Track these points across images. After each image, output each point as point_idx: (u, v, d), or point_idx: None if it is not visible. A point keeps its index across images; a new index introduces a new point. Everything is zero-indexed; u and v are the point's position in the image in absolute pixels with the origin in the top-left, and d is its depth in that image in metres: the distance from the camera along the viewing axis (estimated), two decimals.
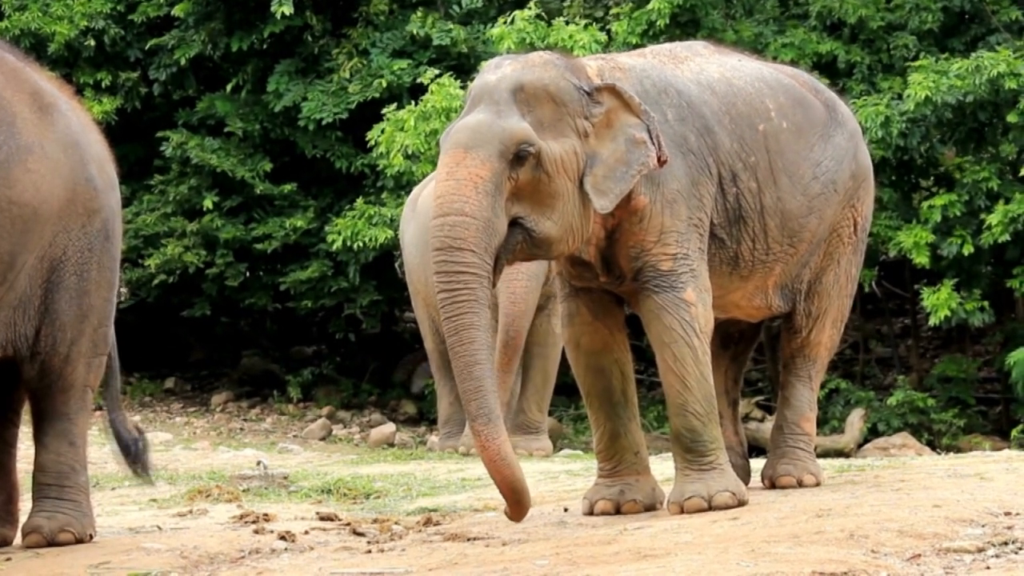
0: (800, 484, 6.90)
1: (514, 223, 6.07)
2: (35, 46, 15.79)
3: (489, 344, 6.00)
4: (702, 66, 6.71)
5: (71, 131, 6.09)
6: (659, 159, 6.21)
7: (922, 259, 13.60)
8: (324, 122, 15.61)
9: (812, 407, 7.19)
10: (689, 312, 6.32)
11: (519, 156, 6.02)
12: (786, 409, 7.13)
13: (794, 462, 7.00)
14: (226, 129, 16.09)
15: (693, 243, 6.39)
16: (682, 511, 6.24)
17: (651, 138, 6.21)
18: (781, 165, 6.69)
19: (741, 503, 6.28)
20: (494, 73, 6.23)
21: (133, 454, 6.66)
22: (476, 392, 5.91)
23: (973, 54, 13.82)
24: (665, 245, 6.32)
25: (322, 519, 6.77)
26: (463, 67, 15.56)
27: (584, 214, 6.18)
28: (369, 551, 5.89)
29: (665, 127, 6.36)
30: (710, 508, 6.20)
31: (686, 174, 6.38)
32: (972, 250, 13.61)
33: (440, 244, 5.97)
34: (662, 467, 7.62)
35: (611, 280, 6.45)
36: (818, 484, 6.93)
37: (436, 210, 6.00)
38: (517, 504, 6.02)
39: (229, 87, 16.25)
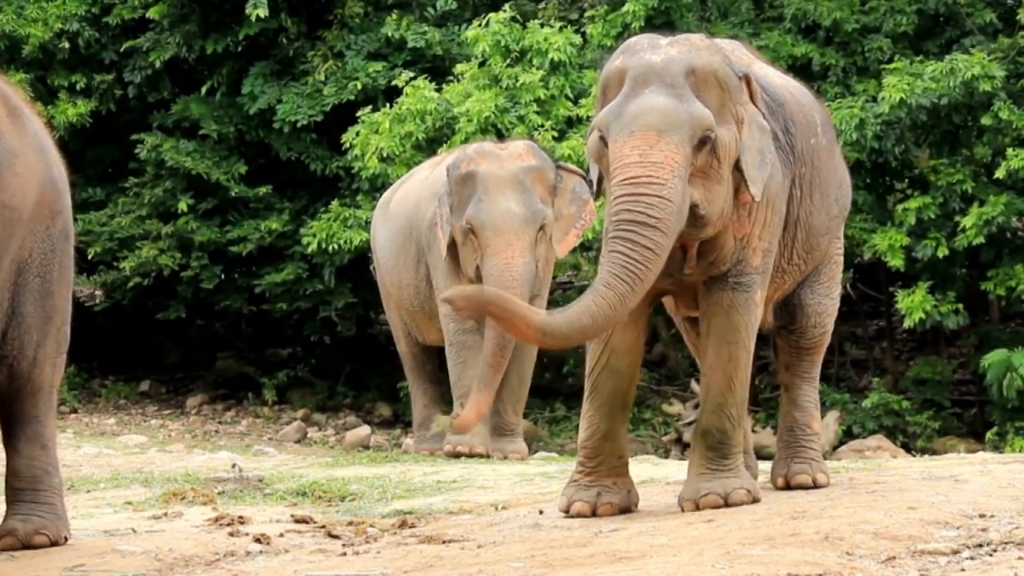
0: (815, 483, 6.92)
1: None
2: (9, 48, 15.77)
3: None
4: (765, 70, 6.69)
5: (38, 134, 6.07)
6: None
7: (897, 261, 13.64)
8: (299, 124, 15.61)
9: (817, 406, 7.31)
10: (754, 315, 6.33)
11: (702, 142, 5.97)
12: (795, 410, 7.18)
13: (809, 461, 7.04)
14: (201, 131, 16.06)
15: (776, 237, 6.43)
16: (697, 508, 6.21)
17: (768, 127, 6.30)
18: (818, 181, 6.69)
19: (755, 500, 6.28)
20: (656, 54, 6.07)
21: None
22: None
23: (947, 56, 13.87)
24: (761, 239, 6.34)
25: (297, 521, 6.74)
26: (438, 69, 15.56)
27: (729, 200, 6.16)
28: (344, 553, 5.87)
29: None
30: (726, 505, 6.19)
31: (779, 168, 6.38)
32: (947, 252, 13.65)
33: (633, 218, 5.84)
34: (636, 470, 7.62)
35: (698, 269, 6.34)
36: (828, 484, 6.96)
37: (630, 188, 5.87)
38: None
39: (204, 89, 16.23)
